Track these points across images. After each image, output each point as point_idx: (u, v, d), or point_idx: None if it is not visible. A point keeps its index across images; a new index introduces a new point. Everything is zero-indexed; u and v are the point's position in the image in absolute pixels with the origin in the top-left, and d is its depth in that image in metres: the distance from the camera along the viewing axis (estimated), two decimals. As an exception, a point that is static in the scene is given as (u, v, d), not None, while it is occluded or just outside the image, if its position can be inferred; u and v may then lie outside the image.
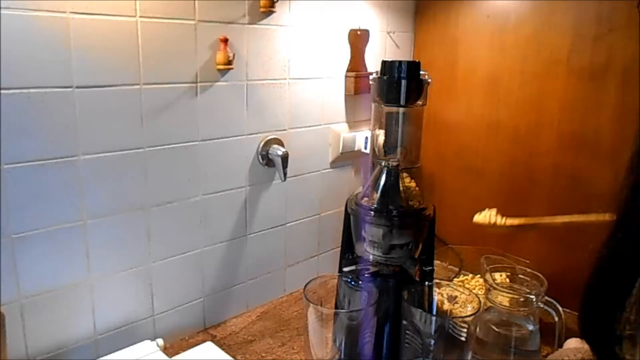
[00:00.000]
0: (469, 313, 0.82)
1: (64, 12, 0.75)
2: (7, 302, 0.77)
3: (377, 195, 0.86)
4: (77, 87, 0.78)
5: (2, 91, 0.71)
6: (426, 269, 0.89)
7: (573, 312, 1.14)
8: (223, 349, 0.93)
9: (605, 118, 1.05)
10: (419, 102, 0.88)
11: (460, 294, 0.86)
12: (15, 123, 0.73)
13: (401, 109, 0.88)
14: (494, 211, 1.11)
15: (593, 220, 0.97)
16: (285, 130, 1.10)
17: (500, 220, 1.10)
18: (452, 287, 0.88)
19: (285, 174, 1.06)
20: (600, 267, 0.44)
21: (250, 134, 1.04)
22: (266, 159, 1.07)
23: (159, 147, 0.90)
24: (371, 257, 0.87)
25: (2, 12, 0.69)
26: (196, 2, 0.89)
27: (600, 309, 0.44)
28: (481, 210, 1.15)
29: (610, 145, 1.05)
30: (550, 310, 0.95)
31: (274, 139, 1.08)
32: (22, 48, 0.72)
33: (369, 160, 0.95)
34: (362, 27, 1.20)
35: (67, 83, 0.77)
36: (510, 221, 1.10)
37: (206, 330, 1.05)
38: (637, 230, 0.39)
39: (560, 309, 0.96)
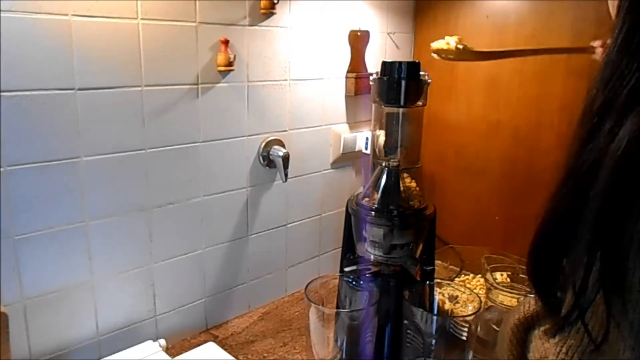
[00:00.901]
0: (469, 312, 0.83)
1: (66, 14, 0.75)
2: (10, 303, 0.77)
3: (377, 196, 0.87)
4: (79, 89, 0.79)
5: (5, 93, 0.72)
6: (427, 268, 0.89)
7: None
8: (225, 349, 0.93)
9: (605, 118, 1.05)
10: (419, 103, 0.88)
11: (461, 294, 0.86)
12: (18, 125, 0.74)
13: (401, 110, 0.88)
14: (455, 37, 0.94)
15: (570, 49, 0.92)
16: (286, 131, 1.10)
17: (464, 46, 0.93)
18: (453, 287, 0.88)
19: (286, 175, 1.07)
20: (547, 219, 0.45)
21: (251, 135, 1.04)
22: (267, 160, 1.07)
23: (160, 149, 0.90)
24: (372, 257, 0.88)
25: (4, 14, 0.70)
26: (197, 3, 0.89)
27: (546, 258, 0.46)
28: (481, 208, 1.14)
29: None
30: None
31: (275, 139, 1.08)
32: (24, 50, 0.72)
33: (370, 160, 0.95)
34: (362, 28, 1.20)
35: (69, 85, 0.78)
36: (480, 48, 0.94)
37: (208, 331, 1.05)
38: (582, 185, 0.39)
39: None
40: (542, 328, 0.50)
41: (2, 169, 0.73)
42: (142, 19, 0.83)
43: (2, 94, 0.71)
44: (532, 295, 0.55)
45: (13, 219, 0.76)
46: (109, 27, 0.80)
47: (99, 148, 0.83)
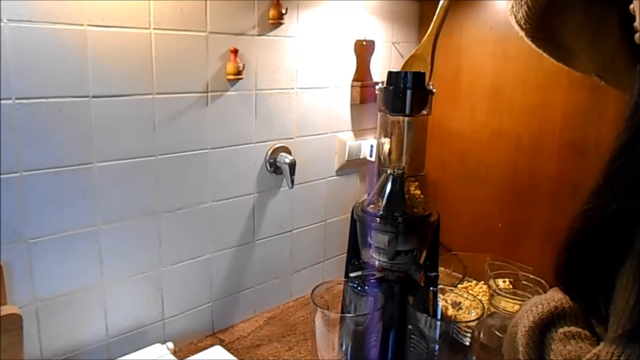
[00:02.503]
0: (472, 318, 0.84)
1: (82, 24, 0.77)
2: (23, 305, 0.79)
3: (382, 202, 0.88)
4: (93, 97, 0.81)
5: (22, 100, 0.74)
6: (431, 274, 0.90)
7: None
8: (231, 353, 0.95)
9: (605, 129, 1.07)
10: (424, 112, 0.90)
11: (464, 300, 0.88)
12: (34, 131, 0.76)
13: (406, 118, 0.90)
14: None
15: None
16: (292, 138, 1.12)
17: None
18: (456, 293, 0.89)
19: (292, 181, 1.08)
20: (589, 219, 0.43)
21: (259, 142, 1.06)
22: (274, 167, 1.09)
23: (170, 155, 0.92)
24: (377, 262, 0.89)
25: (23, 25, 0.72)
26: (207, 14, 0.92)
27: (588, 264, 0.45)
28: (483, 215, 1.15)
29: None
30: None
31: (282, 147, 1.10)
32: (41, 59, 0.75)
33: (375, 167, 0.97)
34: (367, 38, 1.22)
35: (84, 93, 0.80)
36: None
37: (214, 334, 1.07)
38: (635, 186, 0.38)
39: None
40: (560, 330, 0.49)
41: (18, 174, 0.75)
42: (154, 28, 0.85)
43: (20, 101, 0.74)
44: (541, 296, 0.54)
45: (27, 222, 0.78)
46: (122, 36, 0.82)
47: (111, 154, 0.85)
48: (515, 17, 0.63)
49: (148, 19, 0.84)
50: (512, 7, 0.63)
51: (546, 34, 0.62)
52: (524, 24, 0.63)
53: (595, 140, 1.10)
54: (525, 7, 0.60)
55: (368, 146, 1.28)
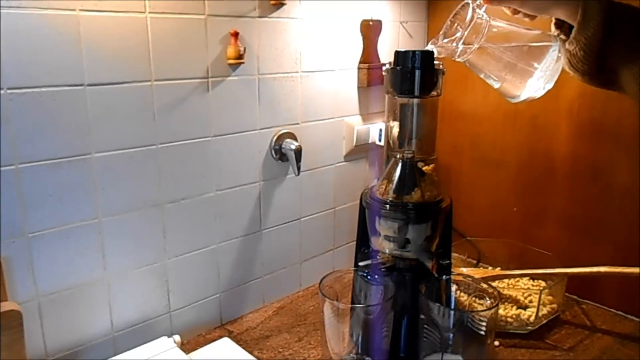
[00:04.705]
0: (488, 306, 0.81)
1: (74, 9, 0.75)
2: (24, 301, 0.77)
3: (392, 188, 0.85)
4: (89, 85, 0.78)
5: (15, 90, 0.71)
6: (443, 262, 0.87)
7: (593, 304, 1.12)
8: (240, 345, 0.93)
9: (626, 105, 1.02)
10: (434, 93, 0.86)
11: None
12: (28, 122, 0.73)
13: (415, 100, 0.87)
14: None
15: None
16: (298, 124, 1.09)
17: None
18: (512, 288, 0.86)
19: (299, 168, 1.06)
20: None
21: (263, 129, 1.03)
22: (279, 154, 1.06)
23: (171, 144, 0.90)
24: (387, 250, 0.86)
25: (12, 11, 0.69)
26: (206, -4, 0.88)
27: None
28: (498, 200, 1.11)
29: (631, 134, 1.02)
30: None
31: (287, 133, 1.07)
32: (32, 47, 0.72)
33: (384, 152, 0.94)
34: (374, 18, 1.18)
35: (79, 81, 0.77)
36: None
37: (223, 326, 1.05)
38: None
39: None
40: None
41: (14, 167, 0.73)
42: (150, 12, 0.82)
43: (13, 91, 0.71)
44: None
45: (26, 216, 0.76)
46: (117, 22, 0.79)
47: (110, 144, 0.82)
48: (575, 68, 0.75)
49: (143, 3, 0.81)
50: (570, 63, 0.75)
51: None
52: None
53: (616, 118, 1.05)
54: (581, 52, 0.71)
55: (377, 130, 1.24)
